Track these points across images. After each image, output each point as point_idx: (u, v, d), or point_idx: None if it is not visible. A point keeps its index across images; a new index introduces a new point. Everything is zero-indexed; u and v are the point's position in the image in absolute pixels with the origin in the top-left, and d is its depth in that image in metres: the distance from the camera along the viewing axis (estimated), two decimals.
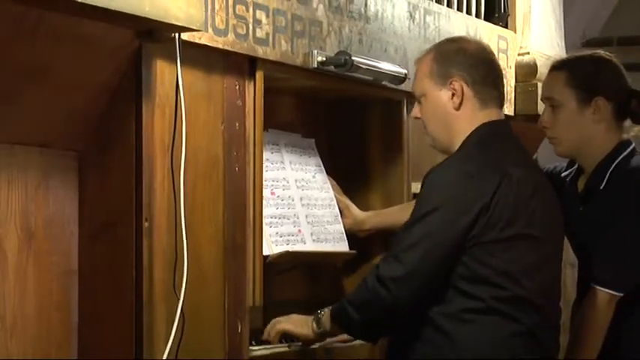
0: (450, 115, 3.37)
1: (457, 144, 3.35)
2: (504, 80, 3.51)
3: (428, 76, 3.40)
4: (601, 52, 3.85)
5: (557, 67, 3.79)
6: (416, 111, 3.48)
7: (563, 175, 3.84)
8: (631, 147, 3.72)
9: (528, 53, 4.74)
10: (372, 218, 4.02)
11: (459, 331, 3.18)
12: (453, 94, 3.35)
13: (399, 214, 3.87)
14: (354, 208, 4.01)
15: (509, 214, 3.20)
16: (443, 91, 3.37)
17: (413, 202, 3.70)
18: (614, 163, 3.66)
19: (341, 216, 3.97)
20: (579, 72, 3.71)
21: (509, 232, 3.20)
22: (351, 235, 4.00)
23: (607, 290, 3.57)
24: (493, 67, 3.42)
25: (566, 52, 5.01)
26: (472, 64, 3.36)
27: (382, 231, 3.97)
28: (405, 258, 3.18)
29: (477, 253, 3.19)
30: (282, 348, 3.48)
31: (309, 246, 3.79)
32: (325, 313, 3.40)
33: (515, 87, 4.70)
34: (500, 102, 3.42)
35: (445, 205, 3.19)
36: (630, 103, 3.71)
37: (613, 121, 3.70)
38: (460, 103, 3.35)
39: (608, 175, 3.65)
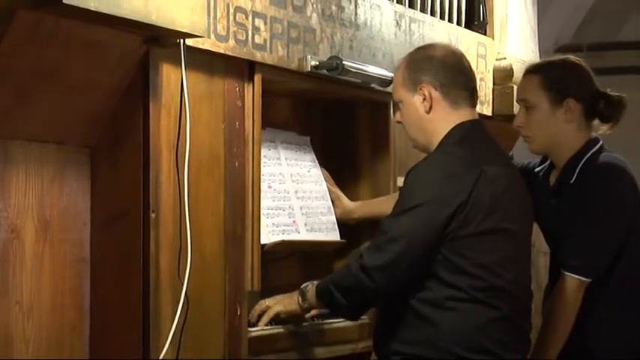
0: (424, 118, 3.36)
1: (435, 143, 3.34)
2: (477, 80, 3.47)
3: (401, 84, 3.40)
4: (571, 56, 3.84)
5: (531, 70, 3.78)
6: (397, 116, 3.49)
7: (536, 170, 3.83)
8: (599, 144, 3.71)
9: (505, 58, 4.73)
10: (360, 208, 4.01)
11: (442, 318, 3.18)
12: (424, 99, 3.34)
13: (385, 204, 3.86)
14: (344, 199, 4.00)
15: (485, 210, 3.19)
16: (415, 96, 3.36)
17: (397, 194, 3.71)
18: (584, 159, 3.65)
19: (332, 205, 3.97)
20: (552, 75, 3.70)
21: (485, 226, 3.19)
22: (342, 225, 3.99)
23: (576, 276, 3.56)
24: (461, 70, 3.38)
25: (540, 57, 5.01)
26: (439, 69, 3.34)
27: (370, 220, 3.97)
28: (389, 249, 3.17)
29: (455, 245, 3.18)
30: (277, 329, 3.47)
31: (303, 235, 3.78)
32: (310, 289, 3.40)
33: (493, 89, 4.69)
34: (471, 101, 3.39)
35: (426, 202, 3.18)
36: (598, 104, 3.71)
37: (583, 121, 3.69)
38: (430, 107, 3.34)
39: (577, 170, 3.64)
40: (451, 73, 3.34)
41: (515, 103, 4.11)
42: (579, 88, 3.68)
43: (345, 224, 4.00)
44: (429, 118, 3.35)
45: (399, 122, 3.49)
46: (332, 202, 3.97)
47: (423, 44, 3.62)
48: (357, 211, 4.00)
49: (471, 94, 3.39)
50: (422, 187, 3.22)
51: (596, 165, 3.64)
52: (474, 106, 3.41)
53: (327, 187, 3.97)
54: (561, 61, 3.82)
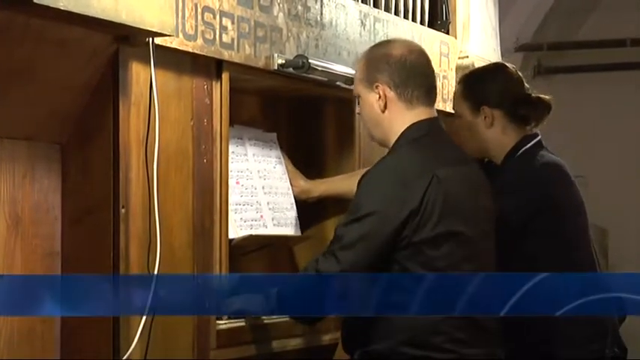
0: (379, 115, 3.37)
1: (391, 140, 3.36)
2: (435, 78, 3.46)
3: (360, 80, 3.42)
4: (498, 63, 4.07)
5: (458, 82, 3.94)
6: (357, 108, 3.50)
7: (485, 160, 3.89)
8: (534, 140, 3.76)
9: (467, 57, 4.76)
10: (318, 186, 4.01)
11: (396, 318, 3.18)
12: (379, 97, 3.36)
13: (343, 182, 3.91)
14: (301, 178, 3.99)
15: (437, 214, 3.18)
16: (371, 94, 3.37)
17: (356, 172, 3.74)
18: (517, 155, 3.72)
19: (291, 186, 3.98)
20: (469, 85, 3.85)
21: (438, 231, 3.18)
22: (308, 219, 4.01)
23: None
24: (418, 69, 3.37)
25: (502, 56, 5.06)
26: (395, 69, 3.34)
27: (329, 197, 4.00)
28: (342, 256, 3.17)
29: (409, 252, 3.18)
30: (242, 322, 3.48)
31: (271, 230, 3.80)
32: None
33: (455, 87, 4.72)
34: (428, 100, 3.38)
35: (378, 210, 3.18)
36: (518, 108, 3.76)
37: (507, 123, 3.77)
38: (385, 106, 3.35)
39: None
40: (407, 73, 3.34)
41: None
42: (492, 94, 3.79)
43: (310, 219, 4.03)
44: (385, 116, 3.36)
45: (358, 114, 3.51)
46: (289, 182, 3.98)
47: (383, 40, 3.62)
48: (315, 189, 4.00)
49: (427, 93, 3.37)
50: (373, 194, 3.22)
51: (525, 157, 3.70)
52: (431, 104, 3.39)
53: (285, 166, 3.97)
54: (481, 69, 3.99)
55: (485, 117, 3.75)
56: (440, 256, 3.19)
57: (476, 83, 3.83)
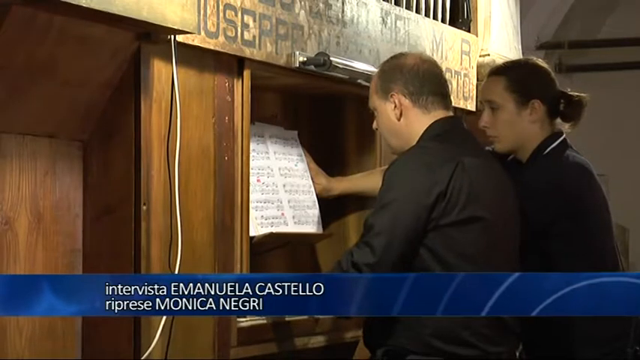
0: (396, 124, 3.38)
1: (412, 144, 3.35)
2: (448, 86, 3.48)
3: (375, 92, 3.43)
4: (534, 58, 3.91)
5: (496, 72, 3.81)
6: (374, 123, 3.50)
7: (509, 158, 3.85)
8: (560, 138, 3.73)
9: (489, 55, 4.74)
10: (339, 184, 4.02)
11: None
12: (395, 106, 3.37)
13: (365, 179, 3.93)
14: (323, 175, 4.00)
15: (464, 199, 3.20)
16: (387, 104, 3.39)
17: (377, 170, 3.76)
18: (544, 152, 3.69)
19: (312, 183, 3.97)
20: (517, 77, 3.73)
21: (464, 215, 3.19)
22: (329, 218, 4.00)
23: None
24: (430, 77, 3.40)
25: (523, 54, 5.03)
26: (408, 78, 3.36)
27: (350, 195, 4.00)
28: (376, 244, 3.15)
29: (437, 235, 3.18)
30: (263, 320, 3.47)
31: (291, 228, 3.78)
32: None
33: (477, 85, 4.70)
34: (443, 105, 3.40)
35: (405, 194, 3.19)
36: (560, 104, 3.74)
37: (546, 120, 3.73)
38: (401, 114, 3.37)
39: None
40: (420, 80, 3.36)
41: None
42: (543, 90, 3.72)
43: (331, 217, 4.02)
44: (401, 124, 3.37)
45: (376, 129, 3.52)
46: (311, 179, 3.97)
47: (395, 54, 3.62)
48: (336, 187, 4.01)
49: (443, 99, 3.40)
50: (400, 180, 3.22)
51: (552, 157, 3.67)
52: (447, 109, 3.41)
53: (307, 164, 3.97)
54: (525, 62, 3.88)
55: (531, 111, 3.70)
56: (467, 242, 3.19)
57: (527, 76, 3.75)
